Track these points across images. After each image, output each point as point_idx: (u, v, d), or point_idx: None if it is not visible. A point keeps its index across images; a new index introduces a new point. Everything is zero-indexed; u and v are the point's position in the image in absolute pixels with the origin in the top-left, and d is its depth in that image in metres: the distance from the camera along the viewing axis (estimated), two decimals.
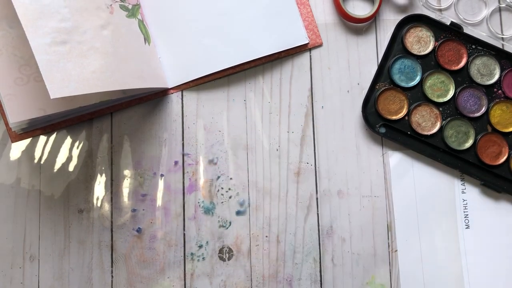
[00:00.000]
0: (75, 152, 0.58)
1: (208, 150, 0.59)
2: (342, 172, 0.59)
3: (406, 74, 0.60)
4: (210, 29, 0.59)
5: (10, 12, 0.50)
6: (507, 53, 0.60)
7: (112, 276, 0.57)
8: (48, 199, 0.58)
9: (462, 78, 0.60)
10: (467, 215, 0.59)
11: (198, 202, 0.58)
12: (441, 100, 0.59)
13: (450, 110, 0.59)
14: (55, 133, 0.59)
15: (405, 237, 0.58)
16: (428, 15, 0.60)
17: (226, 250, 0.58)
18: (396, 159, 0.59)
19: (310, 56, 0.61)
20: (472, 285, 0.57)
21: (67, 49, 0.46)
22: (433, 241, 0.58)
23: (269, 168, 0.59)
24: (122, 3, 0.56)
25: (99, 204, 0.58)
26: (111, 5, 0.54)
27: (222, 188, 0.59)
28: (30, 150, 0.58)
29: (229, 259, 0.58)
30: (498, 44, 0.60)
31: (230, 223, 0.58)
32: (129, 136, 0.59)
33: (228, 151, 0.59)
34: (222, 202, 0.58)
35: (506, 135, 0.59)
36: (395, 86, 0.59)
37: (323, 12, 0.61)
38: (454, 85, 0.59)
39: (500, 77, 0.60)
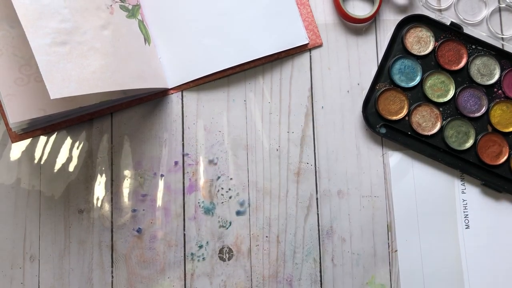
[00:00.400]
0: (75, 153, 0.59)
1: (208, 150, 0.59)
2: (342, 172, 0.59)
3: (406, 75, 0.60)
4: (210, 29, 0.59)
5: (10, 12, 0.50)
6: (507, 53, 0.60)
7: (112, 276, 0.57)
8: (48, 200, 0.58)
9: (462, 78, 0.60)
10: (467, 215, 0.58)
11: (198, 202, 0.58)
12: (441, 100, 0.59)
13: (450, 110, 0.59)
14: (55, 133, 0.59)
15: (405, 237, 0.58)
16: (428, 15, 0.60)
17: (226, 250, 0.58)
18: (396, 159, 0.59)
19: (310, 56, 0.61)
20: (472, 285, 0.57)
21: (67, 49, 0.46)
22: (433, 241, 0.58)
23: (269, 168, 0.59)
24: (122, 4, 0.56)
25: (99, 205, 0.58)
26: (111, 5, 0.54)
27: (222, 188, 0.59)
28: (30, 150, 0.58)
29: (229, 259, 0.58)
30: (498, 44, 0.60)
31: (230, 223, 0.58)
32: (129, 137, 0.59)
33: (228, 151, 0.59)
34: (222, 202, 0.58)
35: (506, 135, 0.59)
36: (395, 86, 0.59)
37: (323, 12, 0.61)
38: (454, 85, 0.59)
39: (500, 77, 0.59)
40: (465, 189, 0.59)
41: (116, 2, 0.55)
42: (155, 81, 0.57)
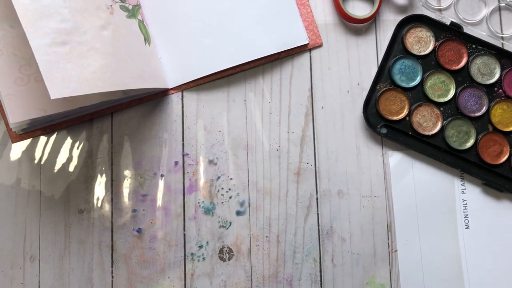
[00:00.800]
0: (75, 153, 0.59)
1: (208, 150, 0.59)
2: (342, 172, 0.59)
3: (407, 75, 0.60)
4: (210, 29, 0.59)
5: (10, 12, 0.50)
6: (507, 52, 0.59)
7: (112, 276, 0.57)
8: (48, 200, 0.58)
9: (463, 78, 0.60)
10: (467, 215, 0.58)
11: (198, 202, 0.58)
12: (442, 100, 0.59)
13: (451, 110, 0.59)
14: (56, 133, 0.59)
15: (405, 237, 0.58)
16: (428, 15, 0.60)
17: (226, 250, 0.58)
18: (396, 159, 0.59)
19: (310, 56, 0.61)
20: (472, 285, 0.57)
21: (67, 49, 0.46)
22: (433, 241, 0.58)
23: (269, 168, 0.59)
24: (122, 4, 0.56)
25: (99, 205, 0.58)
26: (111, 5, 0.54)
27: (222, 188, 0.59)
28: (30, 150, 0.58)
29: (229, 259, 0.58)
30: (498, 43, 0.60)
31: (230, 223, 0.58)
32: (130, 137, 0.59)
33: (228, 151, 0.59)
34: (222, 202, 0.58)
35: (507, 134, 0.59)
36: (396, 86, 0.59)
37: (323, 13, 0.61)
38: (454, 85, 0.59)
39: (500, 76, 0.59)
40: (465, 189, 0.59)
41: (116, 2, 0.55)
42: (155, 81, 0.57)
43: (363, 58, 0.61)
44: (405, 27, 0.60)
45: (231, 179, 0.59)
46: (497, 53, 0.60)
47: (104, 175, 0.58)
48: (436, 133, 0.59)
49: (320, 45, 0.61)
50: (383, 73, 0.60)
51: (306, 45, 0.60)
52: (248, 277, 0.58)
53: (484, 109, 0.59)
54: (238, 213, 0.58)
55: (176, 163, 0.59)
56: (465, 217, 0.58)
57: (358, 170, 0.59)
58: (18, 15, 0.43)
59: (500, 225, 0.58)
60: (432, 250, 0.58)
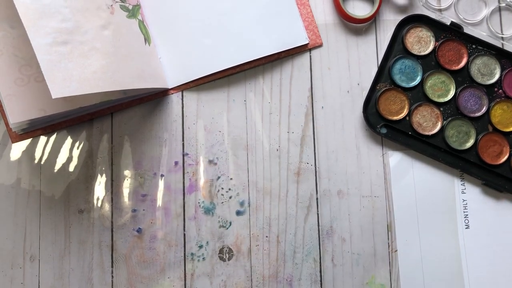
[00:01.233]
0: (76, 153, 0.59)
1: (208, 150, 0.59)
2: (342, 172, 0.59)
3: (407, 75, 0.60)
4: (210, 29, 0.59)
5: (11, 12, 0.50)
6: (507, 52, 0.60)
7: (112, 276, 0.57)
8: (48, 199, 0.58)
9: (463, 78, 0.60)
10: (467, 215, 0.58)
11: (198, 202, 0.58)
12: (442, 100, 0.59)
13: (451, 110, 0.59)
14: (56, 133, 0.59)
15: (405, 237, 0.58)
16: (428, 15, 0.60)
17: (226, 250, 0.58)
18: (396, 159, 0.59)
19: (310, 56, 0.61)
20: (472, 285, 0.57)
21: (69, 49, 0.46)
22: (433, 241, 0.58)
23: (269, 168, 0.59)
24: (122, 4, 0.56)
25: (99, 205, 0.58)
26: (111, 5, 0.54)
27: (222, 188, 0.59)
28: (30, 150, 0.58)
29: (229, 259, 0.58)
30: (498, 43, 0.60)
31: (230, 223, 0.58)
32: (130, 137, 0.59)
33: (228, 151, 0.59)
34: (222, 202, 0.58)
35: (507, 134, 0.59)
36: (396, 86, 0.59)
37: (323, 13, 0.61)
38: (454, 85, 0.59)
39: (500, 77, 0.59)
40: (465, 189, 0.59)
41: (117, 2, 0.55)
42: (155, 81, 0.57)
43: (363, 58, 0.61)
44: (405, 27, 0.60)
45: (231, 179, 0.59)
46: (497, 53, 0.60)
47: (104, 175, 0.58)
48: (436, 133, 0.59)
49: (320, 45, 0.61)
50: (383, 73, 0.60)
51: (306, 45, 0.60)
52: (248, 277, 0.58)
53: (484, 110, 0.59)
54: (238, 213, 0.58)
55: (176, 163, 0.59)
56: (465, 217, 0.58)
57: (358, 170, 0.59)
58: (20, 15, 0.43)
59: (500, 225, 0.58)
60: (432, 250, 0.58)
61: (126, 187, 0.58)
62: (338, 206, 0.58)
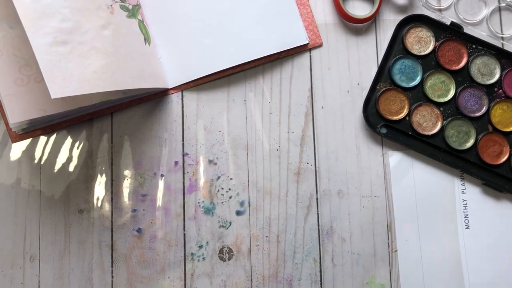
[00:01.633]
0: (75, 152, 0.59)
1: (208, 150, 0.59)
2: (342, 172, 0.59)
3: (407, 74, 0.60)
4: (210, 29, 0.59)
5: (10, 13, 0.50)
6: (507, 52, 0.60)
7: (112, 276, 0.57)
8: (48, 199, 0.58)
9: (463, 78, 0.60)
10: (467, 215, 0.58)
11: (198, 202, 0.58)
12: (441, 100, 0.59)
13: (451, 110, 0.59)
14: (55, 133, 0.59)
15: (405, 237, 0.58)
16: (428, 15, 0.60)
17: (226, 250, 0.58)
18: (396, 159, 0.59)
19: (310, 56, 0.61)
20: (472, 285, 0.57)
21: (68, 49, 0.46)
22: (433, 241, 0.58)
23: (269, 168, 0.59)
24: (122, 4, 0.56)
25: (99, 204, 0.58)
26: (111, 5, 0.54)
27: (222, 188, 0.59)
28: (30, 150, 0.58)
29: (229, 259, 0.58)
30: (498, 43, 0.60)
31: (230, 223, 0.58)
32: (129, 136, 0.59)
33: (228, 151, 0.59)
34: (222, 202, 0.58)
35: (507, 134, 0.59)
36: (396, 86, 0.59)
37: (323, 12, 0.61)
38: (454, 85, 0.59)
39: (500, 77, 0.59)
40: (465, 189, 0.59)
41: (117, 2, 0.55)
42: (155, 81, 0.57)
43: (363, 58, 0.61)
44: (405, 27, 0.60)
45: (231, 179, 0.59)
46: (497, 53, 0.60)
47: (104, 175, 0.58)
48: (436, 133, 0.59)
49: (320, 45, 0.61)
50: (383, 73, 0.60)
51: (306, 45, 0.60)
52: (248, 277, 0.58)
53: (484, 109, 0.59)
54: (238, 213, 0.58)
55: (176, 163, 0.59)
56: (465, 217, 0.58)
57: (358, 170, 0.59)
58: (19, 15, 0.43)
59: (500, 225, 0.58)
60: (432, 250, 0.58)
61: (126, 187, 0.58)
62: (338, 206, 0.58)
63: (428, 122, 0.59)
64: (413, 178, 0.59)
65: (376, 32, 0.61)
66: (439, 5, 0.62)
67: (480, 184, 0.59)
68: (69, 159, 0.58)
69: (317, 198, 0.59)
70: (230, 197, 0.58)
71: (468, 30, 0.60)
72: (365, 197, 0.59)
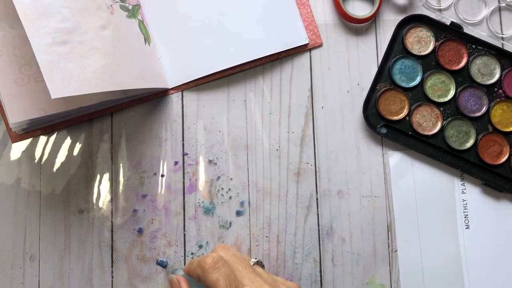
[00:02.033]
0: (75, 152, 0.59)
1: (208, 150, 0.59)
2: (342, 172, 0.59)
3: (407, 75, 0.60)
4: (210, 29, 0.59)
5: (10, 12, 0.50)
6: (507, 52, 0.60)
7: (112, 276, 0.57)
8: (48, 199, 0.58)
9: (463, 78, 0.60)
10: (467, 215, 0.58)
11: (198, 202, 0.58)
12: (441, 100, 0.59)
13: (451, 110, 0.59)
14: (56, 133, 0.59)
15: (405, 237, 0.58)
16: (428, 15, 0.60)
17: None
18: (396, 159, 0.59)
19: (310, 56, 0.61)
20: (472, 285, 0.57)
21: (68, 49, 0.46)
22: (433, 241, 0.58)
23: (269, 168, 0.59)
24: (122, 4, 0.56)
25: (99, 204, 0.58)
26: (111, 5, 0.54)
27: (222, 188, 0.59)
28: (30, 150, 0.58)
29: None
30: (498, 43, 0.60)
31: (230, 223, 0.58)
32: (130, 136, 0.59)
33: (228, 151, 0.59)
34: (222, 202, 0.58)
35: (507, 134, 0.59)
36: (396, 86, 0.59)
37: (323, 13, 0.61)
38: (454, 85, 0.59)
39: (500, 77, 0.59)
40: (465, 189, 0.59)
41: (116, 2, 0.55)
42: (155, 81, 0.57)
43: (363, 58, 0.61)
44: (405, 27, 0.60)
45: (231, 179, 0.59)
46: (497, 53, 0.60)
47: (104, 175, 0.58)
48: (436, 133, 0.59)
49: (320, 45, 0.61)
50: (383, 73, 0.60)
51: (306, 45, 0.60)
52: None
53: (484, 109, 0.59)
54: (238, 213, 0.58)
55: (176, 163, 0.59)
56: (465, 217, 0.58)
57: (358, 170, 0.59)
58: (19, 15, 0.43)
59: (500, 225, 0.58)
60: (432, 250, 0.58)
61: (126, 187, 0.58)
62: (338, 206, 0.58)
63: (428, 122, 0.59)
64: (413, 178, 0.59)
65: (376, 32, 0.61)
66: (439, 5, 0.62)
67: (480, 184, 0.59)
68: (69, 159, 0.58)
69: (317, 198, 0.59)
70: (230, 197, 0.58)
71: (468, 30, 0.60)
72: (365, 197, 0.59)
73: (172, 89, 0.60)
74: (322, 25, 0.61)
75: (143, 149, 0.59)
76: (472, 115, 0.59)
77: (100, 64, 0.49)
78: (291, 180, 0.59)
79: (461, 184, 0.59)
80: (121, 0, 0.56)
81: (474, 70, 0.60)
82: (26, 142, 0.58)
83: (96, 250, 0.57)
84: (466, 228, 0.58)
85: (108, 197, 0.58)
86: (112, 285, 0.57)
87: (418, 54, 0.60)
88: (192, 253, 0.58)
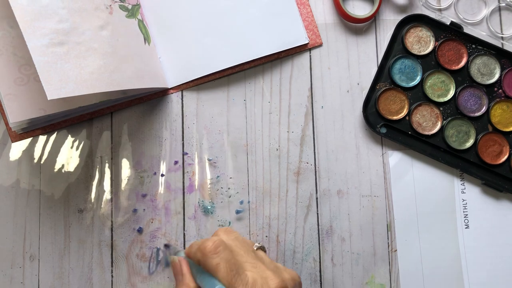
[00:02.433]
0: (75, 152, 0.59)
1: (208, 150, 0.59)
2: (342, 172, 0.59)
3: (407, 74, 0.60)
4: (210, 29, 0.59)
5: (10, 12, 0.50)
6: (507, 52, 0.59)
7: (112, 276, 0.57)
8: (48, 199, 0.58)
9: (463, 78, 0.60)
10: (467, 215, 0.58)
11: (198, 202, 0.58)
12: (441, 99, 0.59)
13: (450, 110, 0.59)
14: (55, 133, 0.59)
15: (405, 237, 0.58)
16: (428, 15, 0.60)
17: None
18: (396, 159, 0.59)
19: (310, 56, 0.61)
20: (472, 285, 0.57)
21: (65, 50, 0.46)
22: (433, 241, 0.58)
23: (269, 168, 0.59)
24: (121, 3, 0.56)
25: (99, 204, 0.58)
26: (110, 5, 0.54)
27: (222, 188, 0.59)
28: (30, 150, 0.58)
29: None
30: (498, 43, 0.60)
31: (230, 223, 0.58)
32: (129, 136, 0.59)
33: (227, 151, 0.59)
34: (222, 202, 0.58)
35: (506, 134, 0.59)
36: (396, 86, 0.59)
37: (323, 12, 0.61)
38: (454, 85, 0.59)
39: (500, 77, 0.59)
40: (465, 189, 0.59)
41: (116, 2, 0.55)
42: (154, 81, 0.57)
43: (363, 58, 0.61)
44: (405, 27, 0.60)
45: (230, 178, 0.59)
46: (497, 53, 0.60)
47: (104, 174, 0.58)
48: (436, 133, 0.59)
49: (320, 45, 0.61)
50: (383, 73, 0.60)
51: (306, 44, 0.60)
52: None
53: (483, 109, 0.59)
54: (238, 212, 0.58)
55: (176, 162, 0.59)
56: (465, 217, 0.58)
57: (358, 169, 0.59)
58: (16, 16, 0.43)
59: (500, 225, 0.58)
60: (432, 250, 0.58)
61: (126, 186, 0.58)
62: (338, 206, 0.59)
63: (428, 122, 0.59)
64: (413, 177, 0.59)
65: (376, 32, 0.61)
66: (439, 5, 0.61)
67: (480, 184, 0.59)
68: (69, 158, 0.58)
69: (316, 198, 0.59)
70: (230, 197, 0.58)
71: (468, 30, 0.60)
72: (364, 197, 0.59)
73: (172, 88, 0.60)
74: (322, 25, 0.61)
75: (143, 149, 0.59)
76: (472, 115, 0.59)
77: (98, 65, 0.49)
78: (290, 179, 0.59)
79: (461, 184, 0.59)
80: (121, 0, 0.56)
81: (474, 70, 0.60)
82: (26, 142, 0.58)
83: (96, 250, 0.57)
84: (465, 227, 0.58)
85: (108, 197, 0.58)
86: (112, 284, 0.57)
87: (418, 53, 0.60)
88: None
